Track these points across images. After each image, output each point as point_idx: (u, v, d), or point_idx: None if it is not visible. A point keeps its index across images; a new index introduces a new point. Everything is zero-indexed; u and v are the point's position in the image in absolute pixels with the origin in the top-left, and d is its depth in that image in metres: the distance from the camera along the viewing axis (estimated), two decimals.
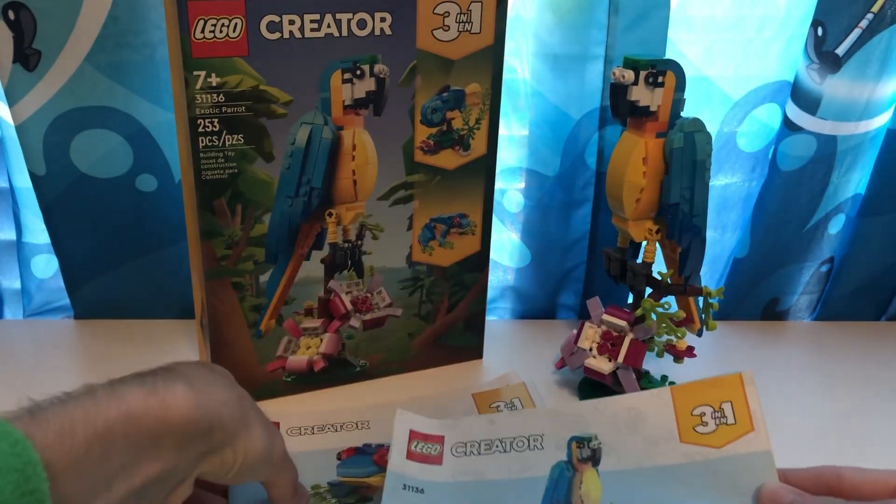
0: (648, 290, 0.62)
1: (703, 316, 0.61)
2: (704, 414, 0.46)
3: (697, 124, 0.58)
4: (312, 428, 0.58)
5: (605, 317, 0.62)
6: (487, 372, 0.68)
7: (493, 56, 0.58)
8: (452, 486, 0.47)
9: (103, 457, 0.32)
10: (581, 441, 0.47)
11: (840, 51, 0.65)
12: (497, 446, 0.48)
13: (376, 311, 0.63)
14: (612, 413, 0.47)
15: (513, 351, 0.72)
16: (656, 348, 0.61)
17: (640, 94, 0.57)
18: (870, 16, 0.64)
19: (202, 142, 0.52)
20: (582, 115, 0.67)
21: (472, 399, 0.62)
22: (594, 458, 0.46)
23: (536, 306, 0.78)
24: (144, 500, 0.35)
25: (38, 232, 0.71)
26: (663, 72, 0.57)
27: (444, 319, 0.66)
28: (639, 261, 0.64)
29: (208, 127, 0.52)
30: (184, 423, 0.36)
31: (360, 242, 0.60)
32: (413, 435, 0.49)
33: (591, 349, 0.62)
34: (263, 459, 0.40)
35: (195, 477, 0.38)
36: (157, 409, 0.35)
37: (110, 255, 0.70)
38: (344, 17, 0.52)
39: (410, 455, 0.48)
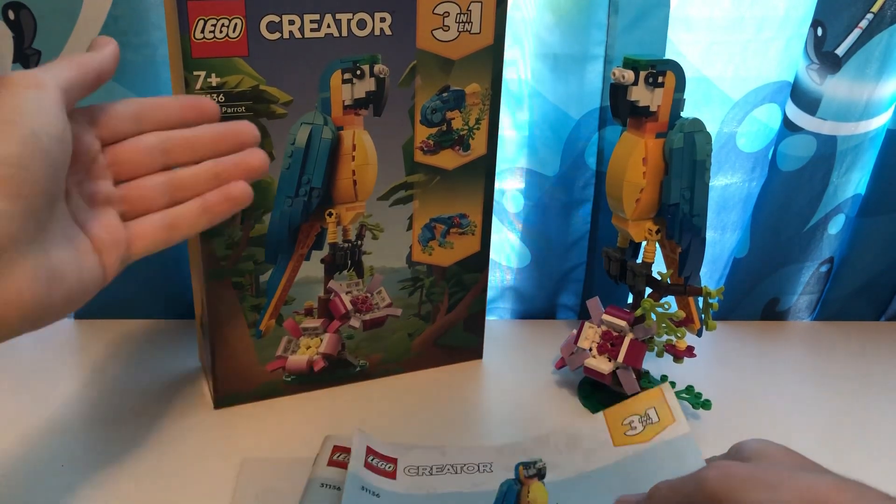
0: (648, 290, 0.62)
1: (703, 316, 0.61)
2: (633, 421, 0.53)
3: (697, 124, 0.58)
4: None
5: (605, 317, 0.62)
6: (487, 372, 0.68)
7: (493, 56, 0.58)
8: (405, 497, 0.49)
9: None
10: (527, 464, 0.52)
11: (840, 51, 0.65)
12: (448, 469, 0.52)
13: (376, 311, 0.63)
14: (554, 441, 0.54)
15: (513, 351, 0.72)
16: (656, 348, 0.61)
17: (640, 95, 0.57)
18: (870, 16, 0.64)
19: None
20: (582, 115, 0.67)
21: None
22: (539, 475, 0.51)
23: (536, 306, 0.78)
24: None
25: None
26: (663, 72, 0.57)
27: (444, 319, 0.66)
28: (639, 261, 0.64)
29: None
30: None
31: (360, 242, 0.60)
32: (369, 451, 0.51)
33: (590, 349, 0.62)
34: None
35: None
36: None
37: None
38: (344, 17, 0.52)
39: (368, 465, 0.50)
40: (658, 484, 0.41)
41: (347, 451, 0.51)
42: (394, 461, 0.52)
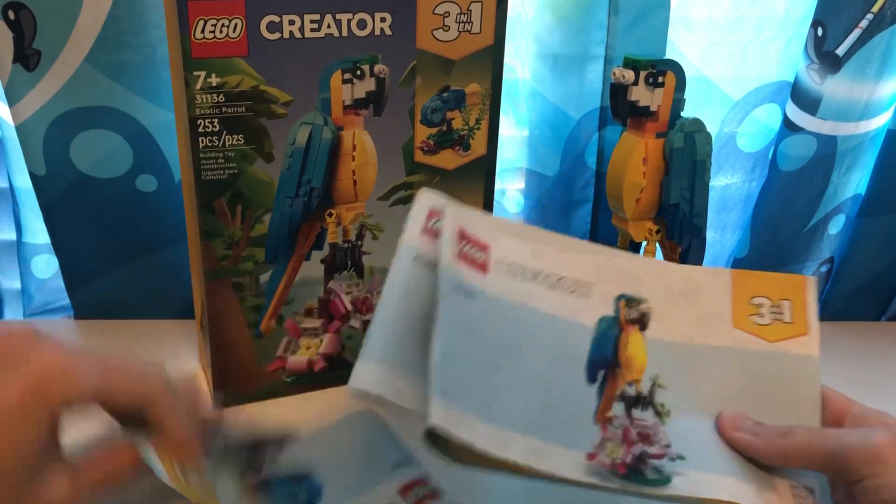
0: None
1: None
2: (762, 305, 0.44)
3: (697, 124, 0.58)
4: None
5: None
6: None
7: (493, 56, 0.58)
8: (501, 304, 0.42)
9: None
10: (630, 301, 0.44)
11: (840, 51, 0.65)
12: (543, 279, 0.44)
13: None
14: (667, 281, 0.45)
15: None
16: None
17: (641, 95, 0.57)
18: (870, 16, 0.64)
19: (202, 142, 0.52)
20: (582, 115, 0.68)
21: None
22: (642, 322, 0.44)
23: None
24: None
25: (38, 232, 0.71)
26: (663, 72, 0.57)
27: None
28: None
29: (208, 127, 0.52)
30: None
31: (360, 243, 0.60)
32: (462, 235, 0.42)
33: None
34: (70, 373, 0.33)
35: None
36: None
37: (110, 255, 0.70)
38: (344, 17, 0.52)
39: (461, 255, 0.41)
40: (795, 428, 0.40)
41: (474, 242, 0.43)
42: (486, 249, 0.43)
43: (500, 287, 0.42)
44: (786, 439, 0.40)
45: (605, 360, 0.42)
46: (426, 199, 0.43)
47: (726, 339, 0.43)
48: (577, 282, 0.44)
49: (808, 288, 0.44)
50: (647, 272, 0.45)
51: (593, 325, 0.43)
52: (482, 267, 0.42)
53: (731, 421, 0.42)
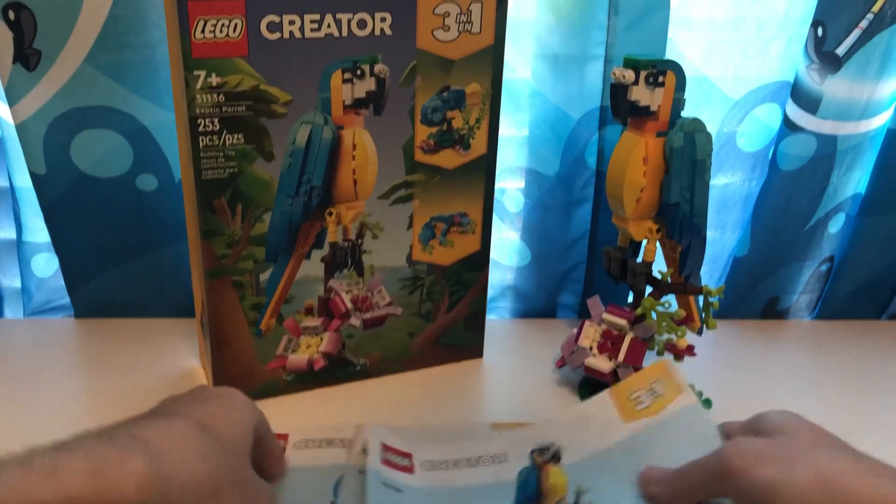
0: (649, 289, 0.62)
1: (704, 315, 0.61)
2: (640, 396, 0.52)
3: (697, 124, 0.58)
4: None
5: (606, 316, 0.62)
6: (488, 371, 0.68)
7: (493, 56, 0.58)
8: (427, 490, 0.49)
9: None
10: (542, 449, 0.52)
11: (840, 51, 0.65)
12: (464, 463, 0.52)
13: (376, 310, 0.63)
14: (563, 423, 0.54)
15: (513, 350, 0.72)
16: (656, 347, 0.61)
17: (641, 94, 0.57)
18: (870, 16, 0.64)
19: (202, 141, 0.52)
20: (582, 114, 0.67)
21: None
22: (555, 458, 0.51)
23: (536, 305, 0.78)
24: None
25: (38, 231, 0.71)
26: (663, 72, 0.57)
27: (445, 318, 0.66)
28: (639, 260, 0.64)
29: (208, 127, 0.52)
30: None
31: (360, 241, 0.60)
32: (385, 447, 0.51)
33: (591, 348, 0.62)
34: None
35: None
36: (101, 492, 0.30)
37: (110, 254, 0.70)
38: (344, 17, 0.52)
39: (385, 462, 0.50)
40: (683, 466, 0.42)
41: (396, 451, 0.51)
42: (409, 456, 0.51)
43: (425, 479, 0.50)
44: (679, 479, 0.42)
45: (529, 497, 0.49)
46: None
47: (624, 433, 0.51)
48: (494, 455, 0.52)
49: (668, 366, 0.53)
50: (547, 427, 0.54)
51: (514, 477, 0.50)
52: (408, 469, 0.50)
53: (646, 478, 0.45)
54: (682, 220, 0.60)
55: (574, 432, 0.52)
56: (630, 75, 0.57)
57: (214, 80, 0.51)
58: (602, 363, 0.61)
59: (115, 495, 0.30)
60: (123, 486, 0.31)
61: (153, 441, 0.33)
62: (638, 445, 0.50)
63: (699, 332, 0.65)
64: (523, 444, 0.52)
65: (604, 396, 0.54)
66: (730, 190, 0.72)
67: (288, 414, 0.60)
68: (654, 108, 0.58)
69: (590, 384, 0.64)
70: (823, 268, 0.78)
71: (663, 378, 0.52)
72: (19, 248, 0.72)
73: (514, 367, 0.68)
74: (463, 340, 0.68)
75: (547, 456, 0.51)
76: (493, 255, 0.71)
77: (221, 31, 0.50)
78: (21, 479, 0.29)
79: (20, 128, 0.63)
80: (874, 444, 0.60)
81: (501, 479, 0.50)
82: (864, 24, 0.64)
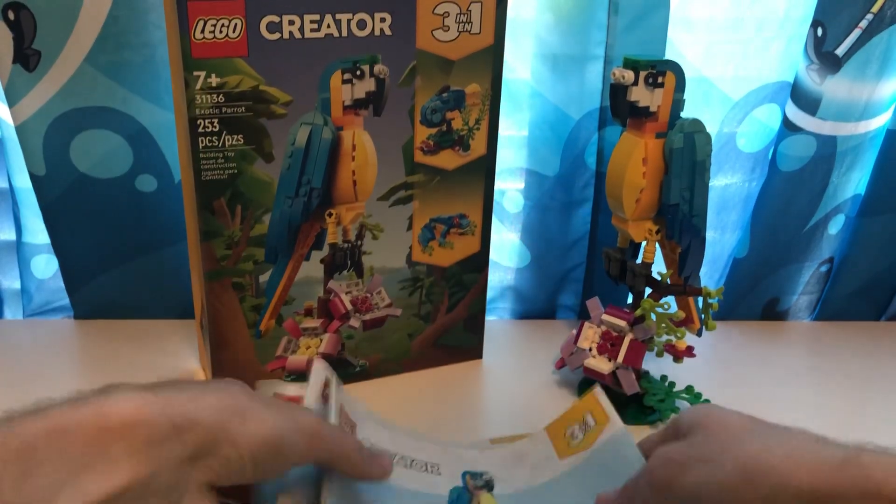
0: (648, 291, 0.62)
1: (703, 316, 0.61)
2: (573, 431, 0.52)
3: (697, 125, 0.58)
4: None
5: (605, 317, 0.62)
6: (487, 372, 0.68)
7: (493, 56, 0.58)
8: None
9: (25, 474, 0.29)
10: (474, 475, 0.51)
11: (840, 51, 0.65)
12: (400, 461, 0.50)
13: (376, 312, 0.63)
14: (499, 455, 0.53)
15: (512, 351, 0.72)
16: (656, 348, 0.61)
17: (640, 95, 0.57)
18: (870, 16, 0.64)
19: (202, 142, 0.52)
20: (582, 115, 0.67)
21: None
22: (488, 487, 0.51)
23: (536, 306, 0.78)
24: None
25: (37, 232, 0.71)
26: (663, 72, 0.57)
27: (444, 320, 0.66)
28: (638, 261, 0.64)
29: (208, 127, 0.52)
30: (133, 428, 0.31)
31: (359, 242, 0.60)
32: (341, 411, 0.48)
33: (590, 349, 0.62)
34: (278, 444, 0.35)
35: (203, 486, 0.33)
36: (91, 417, 0.31)
37: (110, 255, 0.70)
38: (344, 17, 0.52)
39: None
40: (624, 485, 0.42)
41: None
42: (354, 428, 0.48)
43: None
44: (623, 496, 0.42)
45: None
46: (321, 371, 0.49)
47: (559, 469, 0.51)
48: (426, 463, 0.51)
49: (598, 396, 0.52)
50: (479, 453, 0.53)
51: (447, 493, 0.49)
52: None
53: (602, 502, 0.44)
54: (681, 220, 0.60)
55: (510, 466, 0.52)
56: (630, 76, 0.57)
57: (214, 80, 0.51)
58: (601, 364, 0.60)
59: (106, 418, 0.31)
60: (113, 409, 0.32)
61: (159, 386, 0.34)
62: (573, 480, 0.50)
63: (699, 334, 0.65)
64: (456, 462, 0.52)
65: (542, 434, 0.54)
66: (729, 191, 0.72)
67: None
68: (653, 108, 0.58)
69: (589, 385, 0.64)
70: (823, 269, 0.78)
71: (593, 408, 0.52)
72: (19, 250, 0.72)
73: (514, 368, 0.68)
74: (462, 342, 0.68)
75: (480, 482, 0.51)
76: (493, 256, 0.71)
77: (221, 32, 0.50)
78: (3, 427, 0.31)
79: (20, 128, 0.63)
80: (874, 444, 0.60)
81: (433, 491, 0.49)
82: (863, 24, 0.64)
